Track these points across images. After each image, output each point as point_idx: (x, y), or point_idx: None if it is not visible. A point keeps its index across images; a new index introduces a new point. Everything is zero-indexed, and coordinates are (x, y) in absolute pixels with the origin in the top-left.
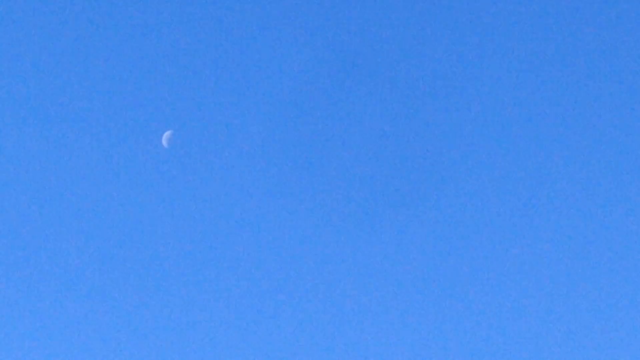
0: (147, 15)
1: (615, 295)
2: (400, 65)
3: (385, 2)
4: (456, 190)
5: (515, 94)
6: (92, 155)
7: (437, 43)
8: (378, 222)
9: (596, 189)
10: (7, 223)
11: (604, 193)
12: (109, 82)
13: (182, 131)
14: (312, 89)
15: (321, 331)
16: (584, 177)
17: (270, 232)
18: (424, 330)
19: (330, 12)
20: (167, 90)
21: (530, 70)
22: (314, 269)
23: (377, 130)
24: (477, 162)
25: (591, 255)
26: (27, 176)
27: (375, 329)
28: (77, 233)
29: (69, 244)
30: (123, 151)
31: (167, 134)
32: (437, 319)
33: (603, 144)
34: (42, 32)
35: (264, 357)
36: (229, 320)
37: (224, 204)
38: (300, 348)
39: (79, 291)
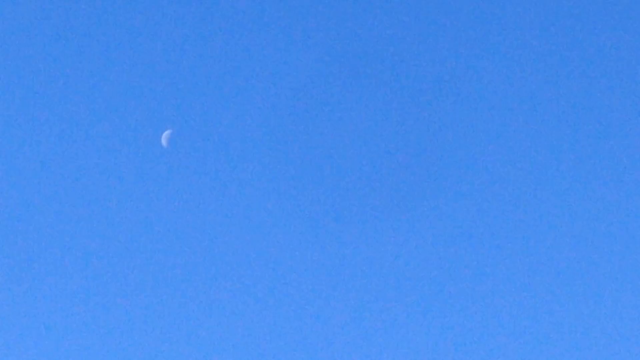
0: (147, 15)
1: (616, 296)
2: (402, 65)
3: (385, 2)
4: (456, 190)
5: (516, 94)
6: (91, 154)
7: (437, 43)
8: (378, 223)
9: (596, 190)
10: (6, 223)
11: (605, 194)
12: (108, 81)
13: (181, 131)
14: (312, 89)
15: (321, 331)
16: (585, 178)
17: (270, 232)
18: (424, 330)
19: (331, 12)
20: (166, 90)
21: (531, 71)
22: (314, 269)
23: (377, 130)
24: (477, 162)
25: (591, 255)
26: (26, 176)
27: (374, 329)
28: (76, 233)
29: (67, 243)
30: (122, 150)
31: (166, 134)
32: (437, 319)
33: (604, 145)
34: (42, 32)
35: (262, 357)
36: (230, 320)
37: (224, 203)
38: (299, 348)
39: (78, 291)
